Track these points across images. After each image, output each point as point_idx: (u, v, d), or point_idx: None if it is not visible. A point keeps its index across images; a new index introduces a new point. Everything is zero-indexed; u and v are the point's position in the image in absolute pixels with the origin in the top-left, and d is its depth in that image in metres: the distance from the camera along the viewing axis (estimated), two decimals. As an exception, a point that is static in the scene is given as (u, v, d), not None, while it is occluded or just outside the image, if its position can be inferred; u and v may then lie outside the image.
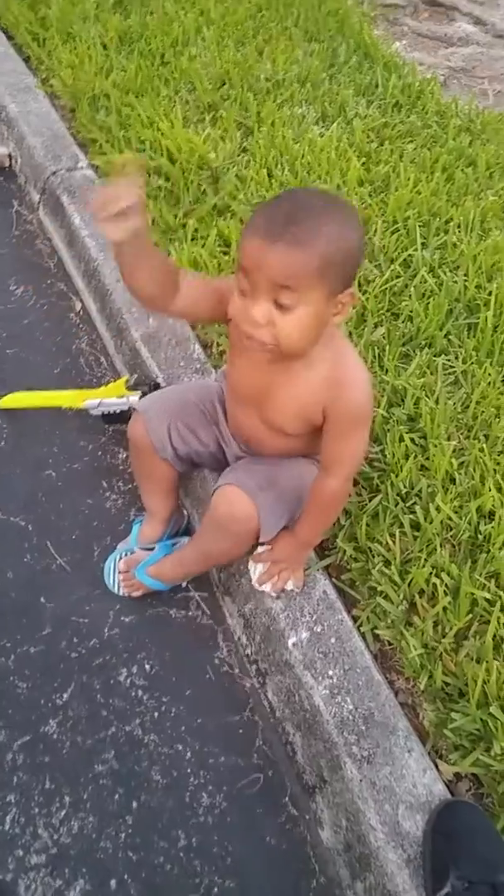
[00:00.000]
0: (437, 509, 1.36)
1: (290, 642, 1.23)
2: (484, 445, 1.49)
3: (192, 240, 1.91)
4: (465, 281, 1.87)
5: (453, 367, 1.68)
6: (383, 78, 2.68)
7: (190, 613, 1.41)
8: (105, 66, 2.48)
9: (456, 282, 1.87)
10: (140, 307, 1.75)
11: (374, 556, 1.32)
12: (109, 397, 1.58)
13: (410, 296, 1.81)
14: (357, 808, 1.08)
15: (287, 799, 1.20)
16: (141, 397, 1.53)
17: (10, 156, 2.39)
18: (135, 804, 1.17)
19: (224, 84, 2.49)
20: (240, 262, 0.97)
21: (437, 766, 1.14)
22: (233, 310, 1.03)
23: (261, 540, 1.26)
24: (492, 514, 1.39)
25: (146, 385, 1.57)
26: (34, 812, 1.15)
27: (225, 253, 1.86)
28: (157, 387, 1.56)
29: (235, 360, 1.21)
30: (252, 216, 0.98)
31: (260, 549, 1.30)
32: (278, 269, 0.93)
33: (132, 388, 1.58)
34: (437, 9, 3.94)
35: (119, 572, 1.41)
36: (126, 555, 1.42)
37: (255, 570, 1.30)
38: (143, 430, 1.34)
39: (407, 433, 1.48)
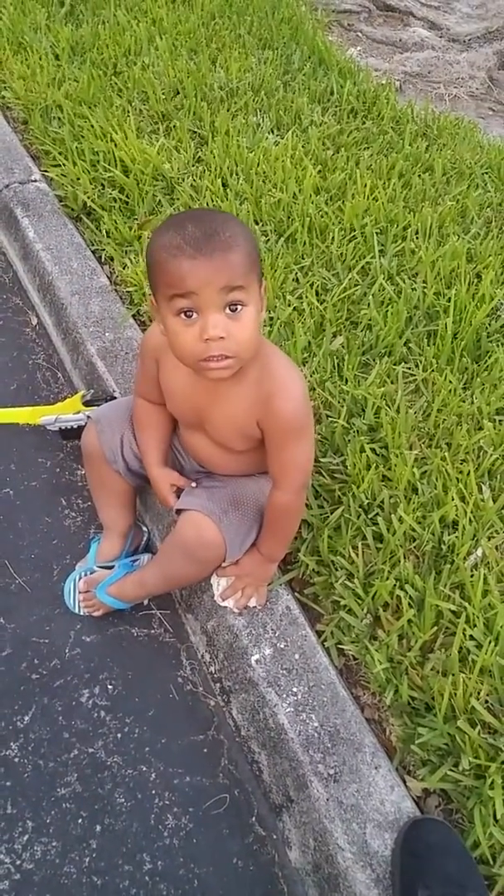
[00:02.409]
0: (400, 520, 1.35)
1: (253, 659, 1.21)
2: (446, 454, 1.49)
3: (149, 251, 1.90)
4: (424, 288, 1.88)
5: (413, 375, 1.68)
6: (338, 84, 2.69)
7: (152, 631, 1.38)
8: (57, 76, 2.46)
9: (415, 289, 1.88)
10: (96, 322, 1.73)
11: (337, 570, 1.31)
12: (66, 413, 1.56)
13: (369, 304, 1.81)
14: (324, 827, 1.07)
15: (254, 819, 1.18)
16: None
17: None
18: (99, 828, 1.15)
19: (177, 93, 2.48)
20: (180, 289, 0.96)
21: (405, 783, 1.13)
22: (180, 345, 1.01)
23: (226, 562, 1.25)
24: (455, 524, 1.38)
25: (102, 399, 1.54)
26: (-5, 837, 1.13)
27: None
28: (111, 400, 1.54)
29: (170, 393, 1.21)
30: (157, 248, 0.97)
31: (224, 563, 1.29)
32: (229, 271, 0.95)
33: (88, 403, 1.55)
34: (391, 14, 3.98)
35: (79, 592, 1.38)
36: (85, 574, 1.39)
37: (219, 584, 1.29)
38: (95, 439, 1.33)
39: (368, 444, 1.48)
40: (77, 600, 1.38)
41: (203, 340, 0.97)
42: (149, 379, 1.24)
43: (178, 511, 1.25)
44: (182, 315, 0.98)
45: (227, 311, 0.97)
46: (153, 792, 1.19)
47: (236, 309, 0.98)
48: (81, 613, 1.38)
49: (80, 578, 1.39)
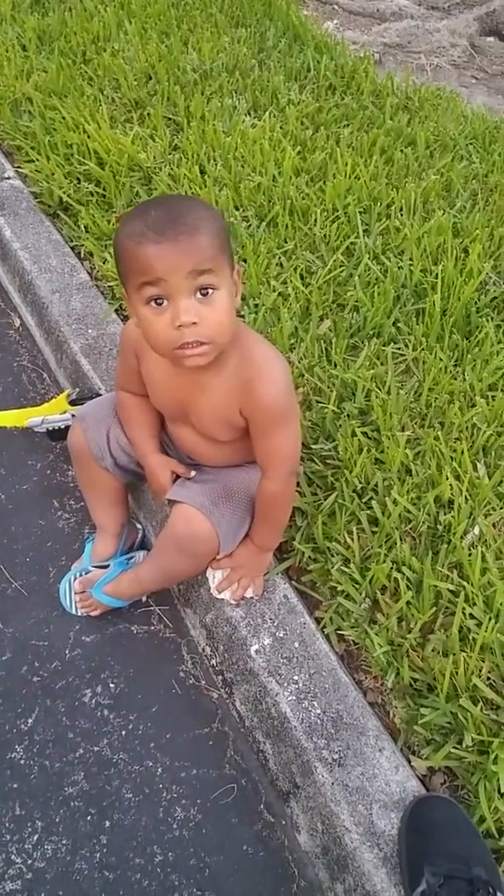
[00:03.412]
0: (395, 502, 1.35)
1: (252, 650, 1.22)
2: (439, 433, 1.48)
3: (129, 244, 1.88)
4: (411, 265, 1.86)
5: (403, 355, 1.67)
6: (315, 60, 2.65)
7: (152, 628, 1.39)
8: (25, 67, 2.42)
9: (401, 267, 1.86)
10: (78, 319, 1.72)
11: (333, 556, 1.31)
12: (52, 413, 1.55)
13: (355, 285, 1.79)
14: (331, 811, 1.07)
15: (262, 806, 1.19)
16: None
17: None
18: (108, 823, 1.16)
19: (150, 79, 2.44)
20: (148, 276, 0.95)
21: (409, 763, 1.13)
22: (153, 334, 1.00)
23: (220, 554, 1.24)
24: (451, 503, 1.38)
25: (88, 397, 1.53)
26: (6, 839, 1.14)
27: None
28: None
29: (152, 386, 1.21)
30: (122, 237, 0.96)
31: (219, 555, 1.29)
32: (195, 255, 0.94)
33: (74, 402, 1.55)
34: (367, -15, 3.90)
35: (75, 593, 1.38)
36: (81, 575, 1.39)
37: (214, 577, 1.29)
38: (81, 437, 1.32)
39: (359, 427, 1.47)
40: (73, 601, 1.38)
41: (175, 327, 0.96)
42: (130, 372, 1.23)
43: (171, 502, 1.25)
44: (152, 303, 0.97)
45: (198, 295, 0.96)
46: (160, 786, 1.20)
47: (207, 293, 0.97)
48: (78, 614, 1.38)
49: (74, 579, 1.39)
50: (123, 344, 1.23)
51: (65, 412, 1.54)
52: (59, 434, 1.58)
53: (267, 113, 2.33)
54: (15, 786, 1.19)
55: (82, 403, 1.52)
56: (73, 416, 1.52)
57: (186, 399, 1.15)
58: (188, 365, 1.01)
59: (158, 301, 0.96)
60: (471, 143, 2.43)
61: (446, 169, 2.25)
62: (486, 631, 1.19)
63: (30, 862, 1.12)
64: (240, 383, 1.09)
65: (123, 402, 1.30)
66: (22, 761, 1.21)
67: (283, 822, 1.17)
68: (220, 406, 1.12)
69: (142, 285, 0.96)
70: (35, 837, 1.14)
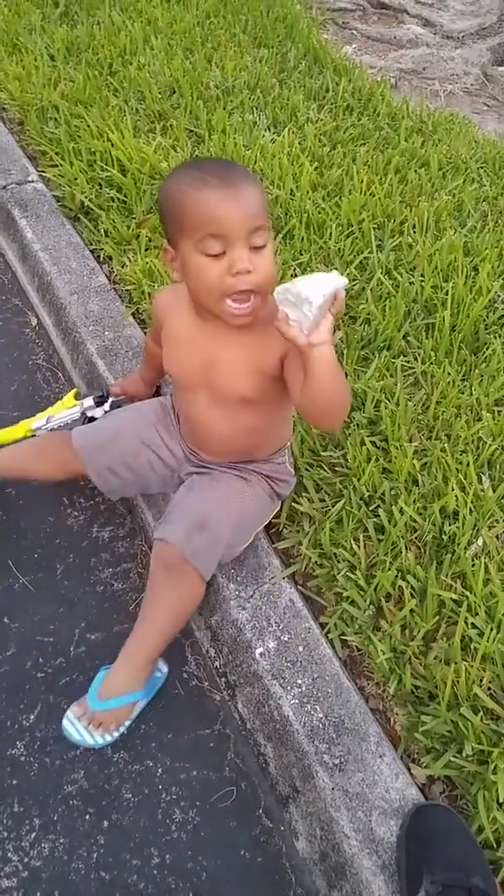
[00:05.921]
0: (401, 512, 1.36)
1: (257, 653, 1.22)
2: (445, 445, 1.50)
3: (146, 249, 1.91)
4: (422, 281, 1.89)
5: (412, 368, 1.69)
6: (333, 82, 2.70)
7: (157, 628, 1.39)
8: (53, 77, 2.47)
9: (412, 283, 1.89)
10: (95, 321, 1.74)
11: (339, 562, 1.32)
12: (58, 412, 1.55)
13: (367, 299, 1.82)
14: (330, 816, 1.07)
15: (261, 811, 1.19)
16: (96, 400, 1.52)
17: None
18: (106, 823, 1.15)
19: (174, 93, 2.49)
20: (212, 229, 0.98)
21: (409, 771, 1.13)
22: (206, 283, 1.03)
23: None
24: (455, 514, 1.39)
25: (98, 390, 1.54)
26: (3, 836, 1.13)
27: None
28: (107, 394, 1.54)
29: (175, 347, 1.23)
30: (178, 184, 1.00)
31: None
32: (255, 208, 0.99)
33: (82, 397, 1.55)
34: (385, 12, 3.98)
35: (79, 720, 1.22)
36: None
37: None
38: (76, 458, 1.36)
39: (368, 437, 1.49)
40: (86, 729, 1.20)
41: (232, 275, 1.00)
42: (158, 331, 1.30)
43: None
44: (209, 255, 1.00)
45: (251, 248, 1.00)
46: (160, 787, 1.20)
47: (259, 246, 1.01)
48: (102, 742, 1.21)
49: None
50: (154, 310, 1.31)
51: (72, 407, 1.55)
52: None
53: (286, 129, 2.38)
54: (14, 782, 1.18)
55: (91, 395, 1.53)
56: (84, 404, 1.53)
57: (211, 357, 1.16)
58: (234, 323, 1.06)
59: (214, 253, 1.00)
60: (482, 167, 2.47)
61: (458, 190, 2.29)
62: (487, 641, 1.20)
63: (26, 860, 1.11)
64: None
65: (148, 348, 1.45)
66: (22, 758, 1.20)
67: (282, 828, 1.16)
68: (253, 355, 1.13)
69: (204, 237, 0.98)
70: (32, 835, 1.13)
